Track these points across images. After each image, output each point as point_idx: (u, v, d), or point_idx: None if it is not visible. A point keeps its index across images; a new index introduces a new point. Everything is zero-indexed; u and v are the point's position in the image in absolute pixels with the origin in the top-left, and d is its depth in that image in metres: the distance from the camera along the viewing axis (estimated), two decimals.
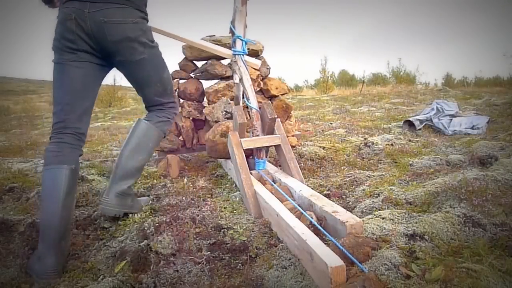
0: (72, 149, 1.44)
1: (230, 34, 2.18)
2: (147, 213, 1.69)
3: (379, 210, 1.50)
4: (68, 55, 1.44)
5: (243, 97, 2.14)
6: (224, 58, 2.67)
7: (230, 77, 2.64)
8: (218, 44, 2.53)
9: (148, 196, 1.97)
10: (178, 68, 2.71)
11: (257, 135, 1.98)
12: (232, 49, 2.14)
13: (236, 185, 2.07)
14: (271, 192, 1.64)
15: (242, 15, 2.07)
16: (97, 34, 1.42)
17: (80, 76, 1.46)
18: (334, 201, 1.67)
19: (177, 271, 1.21)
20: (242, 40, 2.09)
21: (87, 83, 1.50)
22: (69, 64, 1.45)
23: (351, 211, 1.55)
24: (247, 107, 2.08)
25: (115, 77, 15.53)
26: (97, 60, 1.50)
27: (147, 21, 1.59)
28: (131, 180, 1.63)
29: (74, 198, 1.43)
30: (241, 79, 2.09)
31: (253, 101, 2.02)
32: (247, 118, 1.95)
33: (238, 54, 2.11)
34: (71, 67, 1.45)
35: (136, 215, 1.65)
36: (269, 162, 2.20)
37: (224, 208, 1.75)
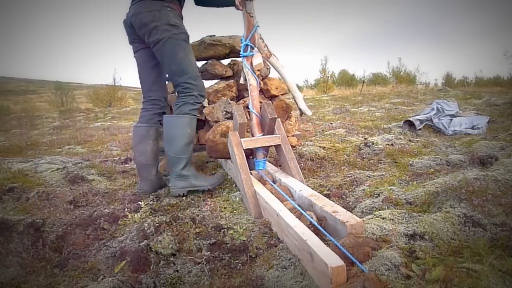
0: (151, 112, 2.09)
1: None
2: (147, 213, 1.69)
3: (379, 210, 1.50)
4: (134, 47, 2.08)
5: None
6: (224, 58, 2.67)
7: (230, 77, 2.64)
8: (217, 44, 2.53)
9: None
10: None
11: (252, 135, 1.98)
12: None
13: (236, 185, 2.07)
14: (271, 192, 1.64)
15: (244, 17, 2.08)
16: (132, 26, 1.94)
17: (139, 62, 2.09)
18: (334, 201, 1.67)
19: (177, 271, 1.21)
20: (242, 42, 2.10)
21: (145, 66, 2.07)
22: (135, 56, 2.10)
23: (351, 211, 1.54)
24: (247, 107, 2.08)
25: (114, 77, 15.55)
26: (145, 44, 1.99)
27: (170, 8, 1.90)
28: (179, 163, 1.92)
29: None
30: (245, 80, 2.11)
31: (251, 103, 2.02)
32: (247, 118, 1.95)
33: (240, 56, 2.13)
34: (136, 58, 2.10)
35: (136, 215, 1.65)
36: (269, 162, 2.20)
37: (224, 208, 1.75)
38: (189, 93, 1.95)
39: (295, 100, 2.42)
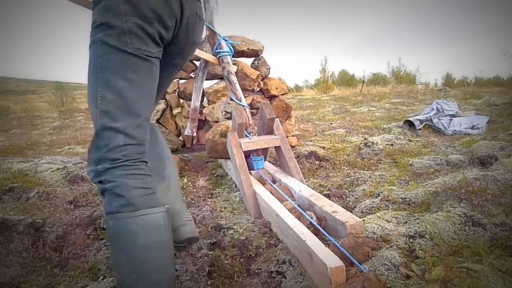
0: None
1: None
2: None
3: (379, 210, 1.50)
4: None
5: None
6: None
7: None
8: None
9: None
10: None
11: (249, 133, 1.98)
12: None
13: (236, 185, 2.06)
14: (271, 192, 1.64)
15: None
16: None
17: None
18: (334, 201, 1.67)
19: (177, 270, 1.21)
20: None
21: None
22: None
23: (351, 211, 1.54)
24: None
25: None
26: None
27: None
28: None
29: None
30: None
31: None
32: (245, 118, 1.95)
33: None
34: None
35: None
36: (269, 162, 2.20)
37: (224, 208, 1.75)
38: None
39: None
